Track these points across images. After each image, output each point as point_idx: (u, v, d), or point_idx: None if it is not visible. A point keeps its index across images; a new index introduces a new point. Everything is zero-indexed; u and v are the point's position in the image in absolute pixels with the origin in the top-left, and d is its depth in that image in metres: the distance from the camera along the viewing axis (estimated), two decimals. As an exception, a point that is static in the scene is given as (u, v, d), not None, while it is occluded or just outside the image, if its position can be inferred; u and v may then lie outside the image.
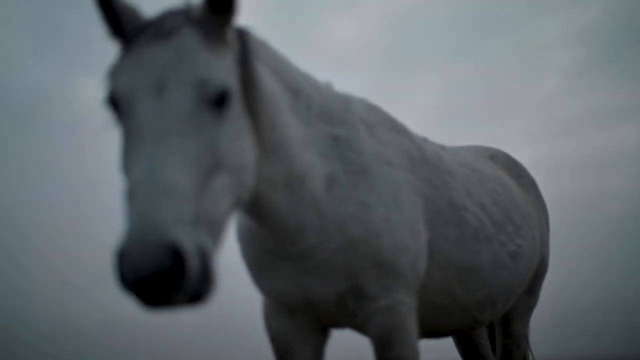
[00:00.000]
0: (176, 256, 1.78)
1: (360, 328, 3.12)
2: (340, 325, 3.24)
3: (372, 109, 3.28)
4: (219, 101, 2.12)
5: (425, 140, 3.64)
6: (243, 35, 2.49)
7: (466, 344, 4.82)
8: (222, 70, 2.16)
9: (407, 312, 3.00)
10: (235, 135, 2.21)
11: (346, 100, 3.15)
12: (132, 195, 1.87)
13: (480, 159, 4.20)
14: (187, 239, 1.83)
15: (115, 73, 2.16)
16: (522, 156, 4.87)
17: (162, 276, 1.76)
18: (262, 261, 3.02)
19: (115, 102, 2.12)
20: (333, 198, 2.86)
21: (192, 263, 1.82)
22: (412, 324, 3.03)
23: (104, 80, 2.21)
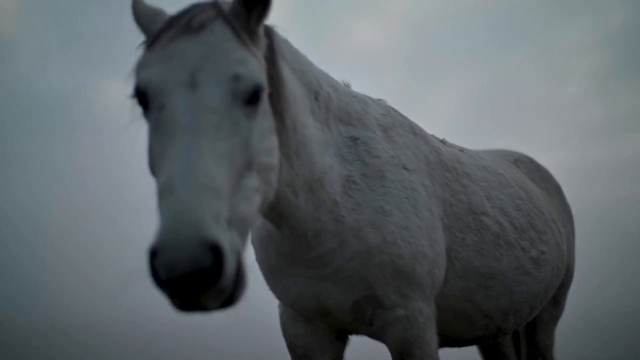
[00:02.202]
0: (217, 255, 1.70)
1: (378, 337, 3.05)
2: (357, 332, 3.18)
3: (389, 111, 3.22)
4: (252, 98, 2.06)
5: (444, 142, 3.56)
6: (270, 33, 2.44)
7: (492, 354, 4.73)
8: (255, 66, 2.10)
9: (426, 322, 2.93)
10: (264, 134, 2.17)
11: (364, 102, 3.09)
12: (168, 190, 1.79)
13: (503, 163, 4.10)
14: (225, 238, 1.76)
15: (144, 67, 2.09)
16: (545, 161, 4.80)
17: (203, 275, 1.69)
18: (278, 265, 2.95)
19: (144, 96, 2.05)
20: (350, 202, 2.81)
21: (231, 263, 1.76)
22: (431, 334, 2.95)
23: (131, 74, 2.16)
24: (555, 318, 4.44)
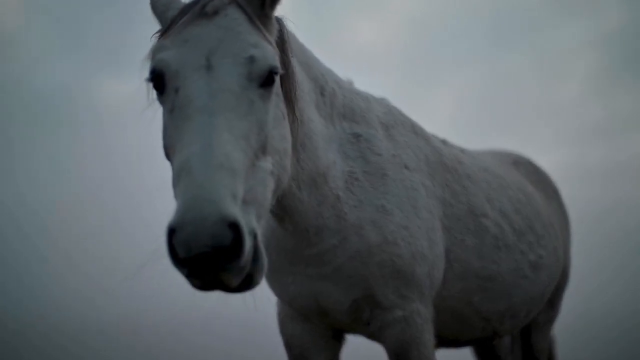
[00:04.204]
0: (236, 233, 1.71)
1: (375, 337, 3.05)
2: (354, 332, 3.18)
3: (391, 110, 3.21)
4: (267, 80, 2.10)
5: (444, 142, 3.55)
6: (280, 23, 2.47)
7: (487, 356, 4.73)
8: (269, 49, 2.15)
9: (424, 323, 2.92)
10: (278, 119, 2.21)
11: (367, 99, 3.09)
12: (186, 170, 1.81)
13: (502, 165, 4.09)
14: (242, 217, 1.77)
15: (160, 51, 2.12)
16: (543, 161, 4.80)
17: (222, 253, 1.70)
18: (278, 263, 2.94)
19: (161, 79, 2.09)
20: (352, 198, 2.80)
21: (248, 242, 1.77)
22: (428, 336, 2.95)
23: (147, 58, 2.21)
24: (550, 320, 4.42)
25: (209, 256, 1.70)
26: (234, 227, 1.72)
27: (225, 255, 1.71)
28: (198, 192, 1.74)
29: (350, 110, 2.94)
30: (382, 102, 3.24)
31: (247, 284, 1.86)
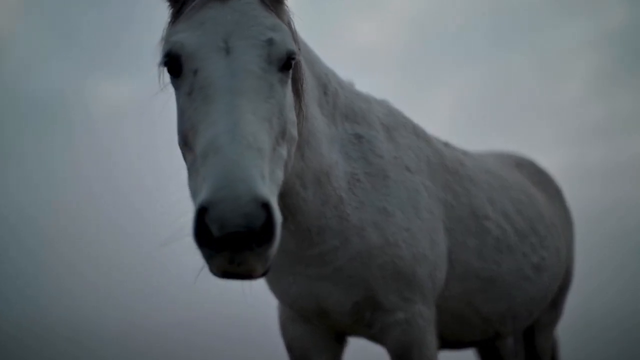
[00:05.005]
0: (268, 213, 1.69)
1: (377, 339, 3.04)
2: (356, 334, 3.16)
3: (392, 111, 3.20)
4: (285, 64, 2.09)
5: (446, 144, 3.53)
6: (289, 12, 2.44)
7: (491, 357, 4.71)
8: (286, 33, 2.15)
9: (426, 325, 2.91)
10: (291, 106, 2.20)
11: (368, 101, 3.08)
12: (214, 149, 1.78)
13: (504, 166, 4.07)
14: (272, 197, 1.75)
15: (175, 34, 2.10)
16: (543, 161, 4.79)
17: (255, 233, 1.67)
18: (279, 263, 2.90)
19: (177, 61, 2.06)
20: (355, 200, 2.79)
21: (279, 222, 1.75)
22: (430, 337, 2.94)
23: (160, 41, 2.20)
24: (553, 322, 4.41)
25: (241, 236, 1.66)
26: (266, 208, 1.69)
27: (257, 236, 1.68)
28: (229, 170, 1.71)
29: (352, 111, 2.93)
30: (383, 104, 3.23)
31: (268, 268, 1.82)
